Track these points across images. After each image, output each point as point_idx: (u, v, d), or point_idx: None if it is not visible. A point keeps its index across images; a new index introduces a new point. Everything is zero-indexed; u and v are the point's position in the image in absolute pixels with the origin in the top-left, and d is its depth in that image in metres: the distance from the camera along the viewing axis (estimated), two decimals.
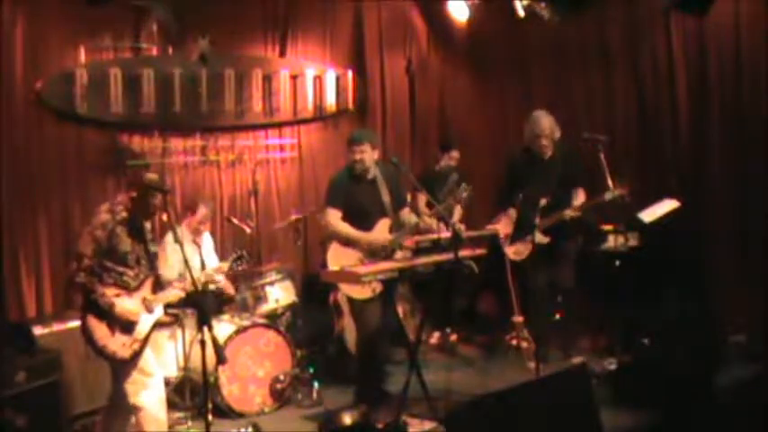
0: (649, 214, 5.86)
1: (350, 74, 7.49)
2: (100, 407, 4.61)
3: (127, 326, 4.19)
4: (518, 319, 6.48)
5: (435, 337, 6.81)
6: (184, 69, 6.40)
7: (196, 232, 5.74)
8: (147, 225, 4.46)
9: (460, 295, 6.78)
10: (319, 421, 4.91)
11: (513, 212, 6.07)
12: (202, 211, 5.74)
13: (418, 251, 5.87)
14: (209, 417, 4.07)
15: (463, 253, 4.92)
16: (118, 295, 4.19)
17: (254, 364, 5.38)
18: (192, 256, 5.48)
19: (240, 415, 5.23)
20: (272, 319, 5.75)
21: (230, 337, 5.26)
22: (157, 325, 4.37)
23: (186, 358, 5.39)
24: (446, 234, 5.44)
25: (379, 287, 5.02)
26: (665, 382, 4.66)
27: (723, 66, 6.35)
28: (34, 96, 5.78)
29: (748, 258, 6.17)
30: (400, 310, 5.96)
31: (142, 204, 4.28)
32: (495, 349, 6.61)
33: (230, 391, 5.25)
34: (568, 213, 5.67)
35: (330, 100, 7.34)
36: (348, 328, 5.90)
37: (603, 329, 6.08)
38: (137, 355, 4.20)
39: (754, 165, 6.13)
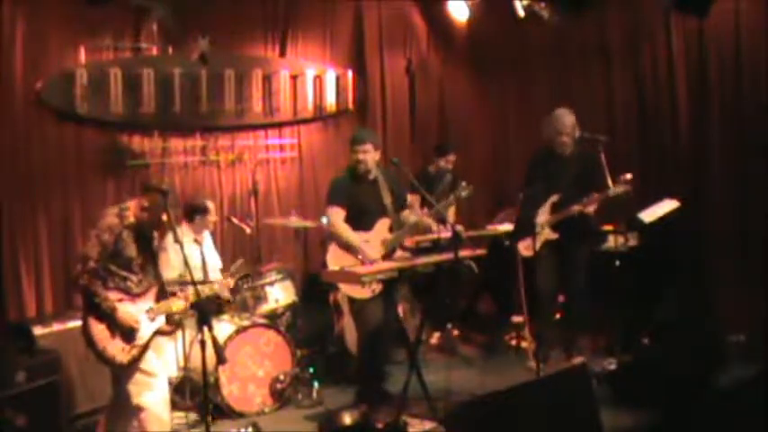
0: (649, 214, 5.86)
1: (350, 74, 7.50)
2: (100, 407, 4.61)
3: (128, 331, 4.18)
4: (518, 319, 6.49)
5: (435, 337, 6.81)
6: (184, 69, 6.40)
7: (199, 231, 5.75)
8: (155, 233, 4.46)
9: (460, 295, 6.78)
10: (319, 421, 4.91)
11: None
12: (212, 208, 5.76)
13: (418, 251, 5.88)
14: (210, 417, 4.07)
15: (463, 253, 4.92)
16: (120, 300, 4.19)
17: (254, 364, 5.38)
18: (192, 254, 5.51)
19: (240, 415, 5.23)
20: (272, 319, 5.75)
21: (230, 337, 5.26)
22: (158, 333, 4.36)
23: (186, 358, 5.39)
24: (446, 234, 5.45)
25: (378, 287, 5.03)
26: (665, 382, 4.66)
27: (723, 66, 6.36)
28: (34, 96, 5.78)
29: (748, 258, 6.18)
30: (400, 310, 5.96)
31: (152, 213, 4.27)
32: (495, 349, 6.61)
33: (230, 391, 5.25)
34: (577, 208, 5.65)
35: (330, 100, 7.34)
36: (348, 328, 5.90)
37: (603, 329, 6.07)
38: (135, 360, 4.20)
39: (754, 165, 6.13)
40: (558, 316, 6.09)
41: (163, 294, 4.38)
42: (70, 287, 5.65)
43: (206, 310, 4.13)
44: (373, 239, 5.18)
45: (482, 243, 6.28)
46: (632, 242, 5.99)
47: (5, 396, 4.48)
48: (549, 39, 7.43)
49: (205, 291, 4.63)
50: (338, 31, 7.56)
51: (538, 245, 5.72)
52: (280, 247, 6.96)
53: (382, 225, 5.23)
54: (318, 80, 7.26)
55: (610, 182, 5.43)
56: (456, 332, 6.82)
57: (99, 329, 4.14)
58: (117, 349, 4.15)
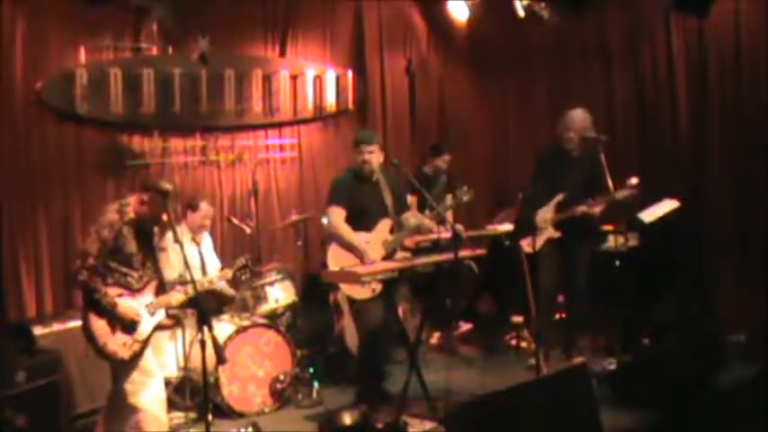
0: (649, 214, 5.86)
1: (350, 74, 7.50)
2: (100, 407, 4.61)
3: (128, 326, 4.18)
4: (518, 319, 6.49)
5: (435, 337, 6.81)
6: (184, 69, 6.40)
7: (197, 231, 5.75)
8: (155, 229, 4.46)
9: (460, 295, 6.78)
10: (319, 421, 4.91)
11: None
12: (204, 207, 5.76)
13: (418, 251, 5.88)
14: (210, 417, 4.07)
15: (463, 253, 4.92)
16: (120, 296, 4.19)
17: (254, 364, 5.38)
18: (191, 255, 5.51)
19: (240, 415, 5.23)
20: (272, 319, 5.75)
21: (230, 337, 5.26)
22: (158, 327, 4.36)
23: (186, 358, 5.39)
24: (446, 234, 5.45)
25: (378, 287, 5.03)
26: (665, 382, 4.66)
27: (723, 66, 6.35)
28: (34, 96, 5.78)
29: (748, 258, 6.17)
30: (400, 310, 5.96)
31: (153, 209, 4.27)
32: (495, 349, 6.61)
33: (230, 391, 5.25)
34: (582, 209, 5.65)
35: (330, 100, 7.34)
36: (348, 328, 5.90)
37: (603, 329, 6.08)
38: (136, 356, 4.20)
39: (754, 165, 6.13)
40: (558, 316, 6.09)
41: (162, 289, 4.39)
42: (70, 283, 5.65)
43: (205, 308, 4.13)
44: (374, 240, 5.18)
45: (482, 243, 6.28)
46: (632, 242, 5.99)
47: (5, 396, 4.48)
48: (549, 39, 7.43)
49: (204, 284, 4.63)
50: (338, 31, 7.56)
51: (540, 243, 5.72)
52: (280, 247, 6.96)
53: (383, 226, 5.23)
54: (318, 80, 7.26)
55: (610, 182, 5.43)
56: (462, 330, 6.82)
57: (99, 325, 4.14)
58: (118, 345, 4.15)
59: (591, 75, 7.29)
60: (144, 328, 4.23)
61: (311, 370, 5.71)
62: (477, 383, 5.49)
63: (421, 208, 6.19)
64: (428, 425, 4.85)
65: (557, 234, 5.76)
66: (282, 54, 7.16)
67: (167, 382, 5.18)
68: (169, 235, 5.28)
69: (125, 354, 4.17)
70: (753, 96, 6.16)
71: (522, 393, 3.31)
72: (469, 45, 8.15)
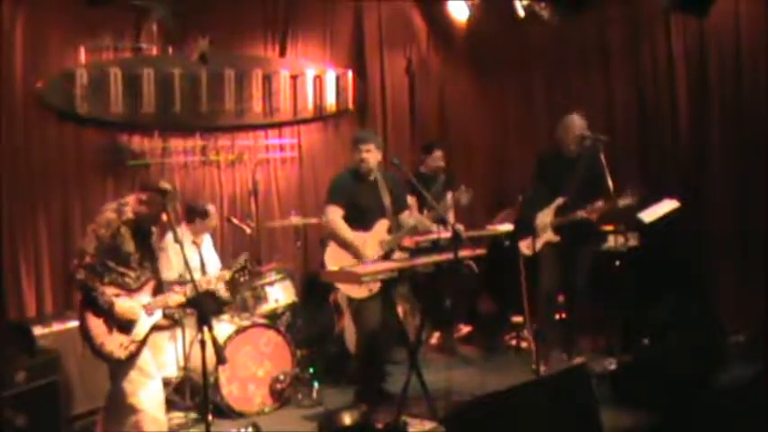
0: (649, 214, 5.86)
1: (350, 74, 7.50)
2: (99, 407, 4.61)
3: (125, 326, 4.18)
4: (518, 319, 6.49)
5: (435, 337, 6.81)
6: (184, 69, 6.41)
7: (197, 233, 5.75)
8: (153, 228, 4.45)
9: (460, 295, 6.77)
10: (319, 421, 4.91)
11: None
12: (212, 211, 5.77)
13: (418, 251, 5.88)
14: (210, 417, 4.07)
15: (463, 253, 4.92)
16: (118, 295, 4.18)
17: (254, 364, 5.38)
18: (191, 256, 5.50)
19: (240, 415, 5.23)
20: (272, 319, 5.75)
21: (230, 337, 5.26)
22: (156, 328, 4.36)
23: (186, 358, 5.39)
24: (446, 234, 5.45)
25: (376, 286, 5.02)
26: (665, 382, 4.66)
27: (723, 66, 6.35)
28: (34, 96, 5.78)
29: (748, 258, 6.17)
30: (400, 310, 5.96)
31: (151, 209, 4.27)
32: (495, 349, 6.61)
33: (230, 391, 5.25)
34: (581, 214, 5.66)
35: (330, 100, 7.34)
36: (348, 328, 5.90)
37: (603, 329, 6.08)
38: (133, 356, 4.20)
39: (754, 165, 6.13)
40: (558, 316, 6.09)
41: (160, 289, 4.38)
42: (67, 282, 5.65)
43: (204, 308, 4.13)
44: (371, 240, 5.18)
45: (482, 243, 6.28)
46: (632, 242, 5.98)
47: (5, 396, 4.48)
48: (549, 39, 7.43)
49: (202, 285, 4.62)
50: (338, 31, 7.56)
51: (539, 246, 5.72)
52: (280, 247, 6.96)
53: (381, 226, 5.23)
54: (318, 80, 7.26)
55: (610, 183, 5.42)
56: (463, 331, 6.82)
57: (96, 324, 4.13)
58: (115, 345, 4.15)
59: (591, 75, 7.29)
60: (141, 328, 4.23)
61: (311, 370, 5.71)
62: (477, 383, 5.49)
63: (421, 208, 6.19)
64: (428, 425, 4.84)
65: (556, 238, 5.75)
66: (282, 54, 7.17)
67: (167, 383, 5.19)
68: (169, 235, 5.28)
69: (122, 354, 4.16)
70: (753, 96, 6.16)
71: (522, 393, 3.31)
72: (469, 45, 8.14)
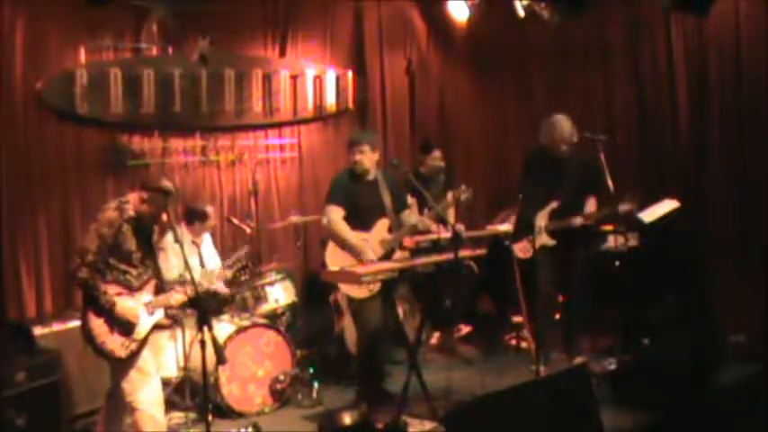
0: (649, 214, 5.86)
1: (350, 74, 7.50)
2: (100, 407, 4.61)
3: (126, 325, 4.18)
4: (518, 319, 6.49)
5: (435, 338, 6.81)
6: (184, 69, 6.41)
7: (196, 234, 5.75)
8: (155, 227, 4.46)
9: (460, 295, 6.77)
10: (319, 421, 4.91)
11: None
12: (210, 212, 5.77)
13: (418, 251, 5.87)
14: (210, 417, 4.07)
15: (463, 253, 4.92)
16: (119, 294, 4.18)
17: (254, 364, 5.38)
18: (190, 256, 5.50)
19: (240, 415, 5.23)
20: (272, 319, 5.75)
21: (230, 337, 5.26)
22: (157, 327, 4.36)
23: (186, 358, 5.39)
24: (446, 234, 5.44)
25: (376, 286, 5.02)
26: (665, 382, 4.66)
27: (723, 66, 6.35)
28: (34, 96, 5.78)
29: (748, 258, 6.17)
30: (400, 310, 5.96)
31: (153, 208, 4.27)
32: (495, 349, 6.61)
33: (230, 391, 5.25)
34: (579, 221, 5.66)
35: (330, 100, 7.34)
36: (348, 328, 5.90)
37: (603, 329, 6.08)
38: (134, 355, 4.19)
39: (754, 165, 6.13)
40: (558, 316, 6.09)
41: (162, 288, 4.38)
42: (70, 283, 5.65)
43: (205, 308, 4.13)
44: (372, 239, 5.18)
45: (482, 243, 6.28)
46: (632, 242, 5.98)
47: (5, 396, 4.48)
48: (549, 39, 7.42)
49: (204, 284, 4.62)
50: (338, 31, 7.56)
51: (535, 247, 5.72)
52: (280, 247, 6.96)
53: (381, 226, 5.23)
54: (318, 80, 7.26)
55: (610, 183, 5.42)
56: (463, 331, 6.82)
57: (98, 323, 4.13)
58: (116, 344, 4.15)
59: (591, 75, 7.29)
60: (142, 328, 4.23)
61: (311, 370, 5.71)
62: (477, 383, 5.49)
63: (421, 209, 6.18)
64: (428, 425, 4.85)
65: (552, 242, 5.75)
66: (282, 54, 7.16)
67: (167, 383, 5.19)
68: (168, 235, 5.28)
69: (122, 352, 4.16)
70: (753, 96, 6.15)
71: (522, 393, 3.31)
72: (469, 45, 8.14)
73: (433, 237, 5.89)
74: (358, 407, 4.93)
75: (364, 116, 7.68)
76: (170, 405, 5.03)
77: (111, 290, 4.16)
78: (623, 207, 5.45)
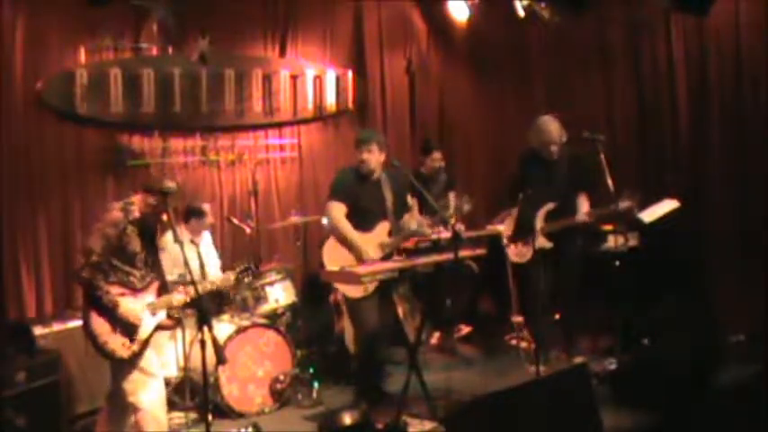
0: (649, 214, 5.86)
1: (350, 74, 7.50)
2: (100, 407, 4.61)
3: (129, 326, 4.18)
4: (518, 319, 6.48)
5: (435, 338, 6.81)
6: (184, 69, 6.41)
7: (195, 232, 5.75)
8: (158, 228, 4.46)
9: (460, 295, 6.77)
10: (319, 421, 4.91)
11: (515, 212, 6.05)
12: (207, 210, 5.77)
13: (418, 251, 5.87)
14: (210, 417, 4.07)
15: (463, 253, 4.91)
16: (122, 295, 4.18)
17: (254, 364, 5.38)
18: (190, 255, 5.50)
19: (240, 415, 5.23)
20: (272, 319, 5.75)
21: (230, 337, 5.26)
22: (159, 328, 4.35)
23: (186, 358, 5.39)
24: (446, 234, 5.44)
25: (372, 286, 5.01)
26: (665, 382, 4.66)
27: (723, 66, 6.35)
28: (34, 96, 5.78)
29: (748, 258, 6.17)
30: (400, 310, 5.96)
31: (158, 209, 4.26)
32: (495, 349, 6.61)
33: (230, 391, 5.25)
34: (581, 219, 5.66)
35: (330, 100, 7.34)
36: (348, 328, 5.89)
37: (603, 329, 6.08)
38: (135, 356, 4.19)
39: (754, 165, 6.13)
40: (557, 317, 6.09)
41: (165, 289, 4.38)
42: (70, 282, 5.67)
43: (206, 309, 4.13)
44: (372, 241, 5.17)
45: (482, 243, 6.28)
46: (632, 242, 5.98)
47: (5, 396, 4.48)
48: (549, 39, 7.42)
49: (206, 286, 4.62)
50: (338, 31, 7.56)
51: (531, 252, 5.72)
52: (280, 247, 6.96)
53: (382, 228, 5.22)
54: (318, 80, 7.26)
55: (610, 183, 5.42)
56: (463, 331, 6.82)
57: (100, 323, 4.12)
58: (117, 344, 4.15)
59: (591, 75, 7.29)
60: (144, 329, 4.22)
61: (311, 370, 5.71)
62: (477, 383, 5.49)
63: (422, 209, 6.18)
64: (428, 425, 4.84)
65: (549, 244, 5.74)
66: (282, 54, 7.17)
67: (167, 382, 5.18)
68: (168, 235, 5.27)
69: (124, 353, 4.16)
70: (753, 96, 6.16)
71: (522, 393, 3.31)
72: (469, 45, 8.14)
73: (433, 237, 5.89)
74: (358, 407, 4.92)
75: (364, 116, 7.68)
76: (170, 405, 5.02)
77: (115, 290, 4.16)
78: (624, 204, 5.45)
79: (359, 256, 5.04)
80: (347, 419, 4.49)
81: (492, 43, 7.97)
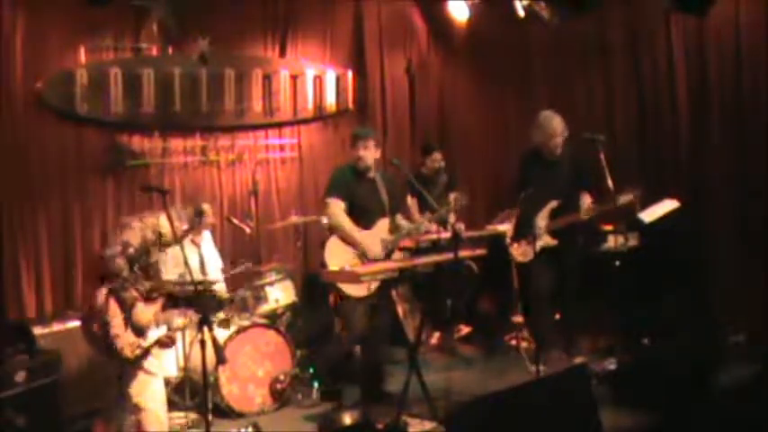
0: (649, 214, 5.86)
1: (350, 74, 7.50)
2: (100, 407, 4.61)
3: (139, 328, 4.18)
4: (518, 319, 6.48)
5: (435, 338, 6.80)
6: (184, 69, 6.41)
7: (195, 232, 5.75)
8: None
9: (460, 295, 6.77)
10: (319, 421, 4.91)
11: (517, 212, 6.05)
12: (208, 210, 5.77)
13: (418, 251, 5.87)
14: (210, 417, 4.06)
15: (463, 253, 4.91)
16: (136, 298, 4.19)
17: (254, 364, 5.38)
18: (190, 256, 5.51)
19: (240, 415, 5.23)
20: (272, 319, 5.75)
21: (230, 337, 5.26)
22: (157, 342, 4.34)
23: (186, 358, 5.39)
24: (446, 234, 5.44)
25: (373, 285, 5.00)
26: (665, 382, 4.66)
27: (723, 66, 6.35)
28: (34, 96, 5.78)
29: (748, 258, 6.17)
30: (400, 310, 5.96)
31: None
32: (495, 349, 6.61)
33: (230, 391, 5.25)
34: (584, 215, 5.66)
35: (330, 100, 7.34)
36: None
37: (603, 329, 6.08)
38: (138, 359, 4.19)
39: (754, 165, 6.13)
40: (558, 316, 6.09)
41: (175, 304, 4.39)
42: (70, 282, 5.68)
43: (204, 308, 4.12)
44: (373, 237, 5.16)
45: (482, 243, 6.28)
46: (632, 242, 5.98)
47: (5, 396, 4.48)
48: (549, 39, 7.42)
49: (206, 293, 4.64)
50: (338, 31, 7.56)
51: (537, 248, 5.72)
52: (280, 247, 6.96)
53: (382, 224, 5.22)
54: (318, 80, 7.27)
55: (610, 182, 5.42)
56: (463, 331, 6.82)
57: (116, 312, 4.11)
58: (126, 342, 4.14)
59: (591, 75, 7.29)
60: (151, 336, 4.23)
61: (311, 370, 5.70)
62: (477, 383, 5.49)
63: (422, 209, 6.18)
64: (428, 425, 4.84)
65: (553, 242, 5.75)
66: (282, 54, 7.17)
67: (167, 382, 5.18)
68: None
69: (129, 353, 4.15)
70: (753, 96, 6.15)
71: (522, 393, 3.31)
72: (469, 45, 8.14)
73: (433, 237, 5.89)
74: (358, 407, 4.92)
75: (364, 116, 7.68)
76: (170, 405, 5.01)
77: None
78: (624, 198, 5.45)
79: (362, 252, 5.03)
80: (347, 419, 4.49)
81: (492, 43, 7.97)
